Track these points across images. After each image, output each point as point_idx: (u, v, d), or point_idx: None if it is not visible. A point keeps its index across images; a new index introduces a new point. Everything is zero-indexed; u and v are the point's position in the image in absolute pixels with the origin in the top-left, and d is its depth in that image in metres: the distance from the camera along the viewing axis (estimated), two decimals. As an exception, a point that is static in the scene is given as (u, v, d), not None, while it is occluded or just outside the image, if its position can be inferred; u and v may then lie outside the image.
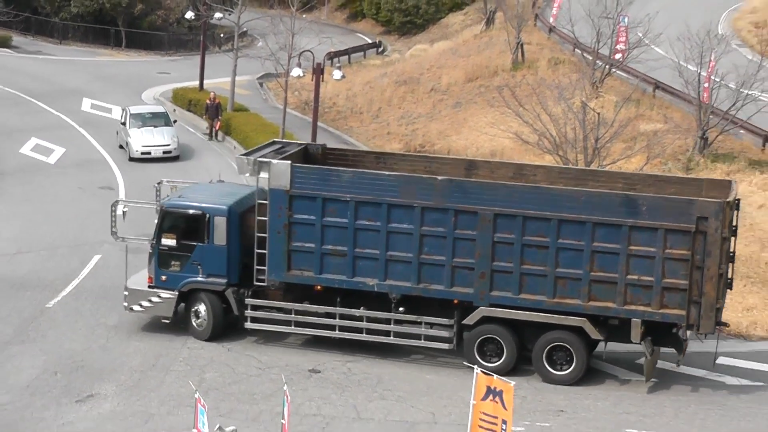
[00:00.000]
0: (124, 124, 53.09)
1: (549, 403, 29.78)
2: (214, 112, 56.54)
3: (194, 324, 32.40)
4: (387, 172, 31.36)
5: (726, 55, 52.37)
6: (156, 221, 32.54)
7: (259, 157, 31.64)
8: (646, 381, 30.68)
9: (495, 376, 21.62)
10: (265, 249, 31.20)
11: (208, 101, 57.21)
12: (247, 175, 32.15)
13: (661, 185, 32.66)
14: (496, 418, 21.76)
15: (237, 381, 30.37)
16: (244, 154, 32.21)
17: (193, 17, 70.82)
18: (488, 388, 21.76)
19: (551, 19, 73.37)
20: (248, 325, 32.17)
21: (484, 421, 21.76)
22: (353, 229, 30.54)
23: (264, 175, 31.01)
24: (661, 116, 54.26)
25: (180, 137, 56.67)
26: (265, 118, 57.59)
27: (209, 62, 65.24)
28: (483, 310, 30.52)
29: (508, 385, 21.67)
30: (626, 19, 61.33)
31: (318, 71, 48.10)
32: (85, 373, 30.52)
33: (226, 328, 32.46)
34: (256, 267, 31.41)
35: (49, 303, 35.14)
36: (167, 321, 32.51)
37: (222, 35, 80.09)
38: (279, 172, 30.64)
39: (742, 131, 51.40)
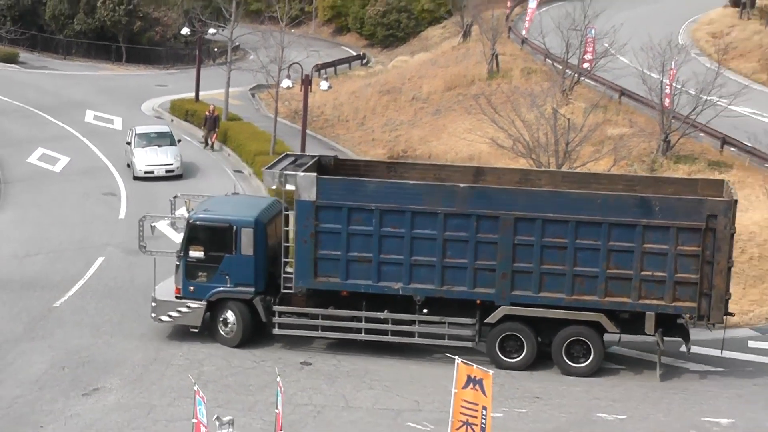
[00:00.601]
0: (129, 143, 51.49)
1: (526, 390, 29.80)
2: (212, 124, 56.34)
3: (222, 332, 31.69)
4: (411, 181, 31.02)
5: (686, 64, 52.47)
6: (183, 234, 31.94)
7: (279, 169, 31.11)
8: (659, 371, 30.66)
9: (474, 365, 21.60)
10: (291, 258, 30.79)
11: (207, 113, 56.95)
12: (274, 187, 31.53)
13: (659, 186, 32.93)
14: (476, 404, 21.75)
15: (233, 373, 30.32)
16: (268, 168, 31.50)
17: (188, 33, 70.60)
18: (468, 377, 21.75)
19: (523, 32, 73.40)
20: (276, 331, 31.60)
21: (465, 407, 21.74)
22: (378, 236, 30.13)
23: (290, 186, 30.50)
24: (626, 121, 54.33)
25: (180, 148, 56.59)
26: (258, 127, 57.44)
27: (204, 75, 65.12)
28: (504, 309, 30.43)
29: (488, 374, 21.67)
30: (593, 31, 61.41)
31: (306, 82, 48.09)
32: (91, 367, 30.47)
33: (254, 334, 31.87)
34: (283, 275, 30.96)
35: (57, 302, 35.05)
36: (195, 330, 31.82)
37: (216, 49, 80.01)
38: (305, 184, 30.14)
39: (701, 134, 51.45)
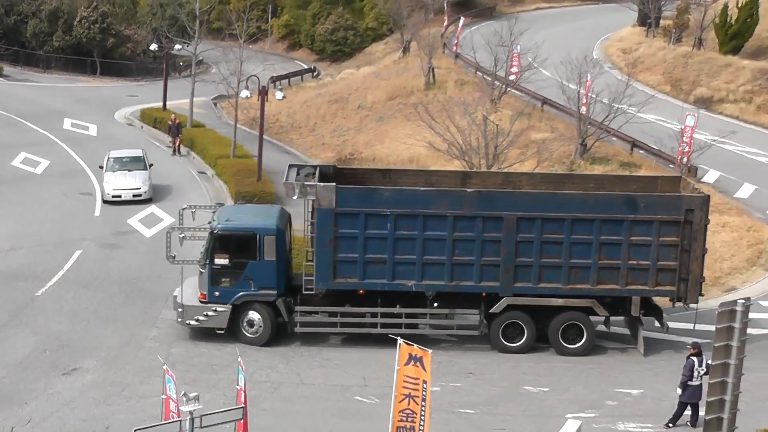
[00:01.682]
0: (101, 167, 47.53)
1: (460, 366, 29.89)
2: (176, 131, 55.89)
3: (247, 332, 30.85)
4: (422, 188, 30.78)
5: (600, 76, 52.80)
6: (207, 243, 30.83)
7: (289, 180, 30.71)
8: (643, 352, 30.88)
9: (415, 345, 21.59)
10: (311, 261, 30.28)
11: (170, 122, 56.57)
12: (294, 198, 30.70)
13: (624, 183, 33.52)
14: (417, 379, 21.75)
15: (199, 355, 30.20)
16: (287, 181, 30.79)
17: (156, 48, 70.07)
18: (410, 355, 21.72)
19: (454, 48, 73.58)
20: (297, 329, 31.04)
21: (407, 382, 21.73)
22: (393, 239, 29.81)
23: (311, 196, 29.94)
24: (548, 127, 54.59)
25: (146, 150, 56.08)
26: (220, 133, 57.18)
27: (171, 86, 64.71)
28: (508, 300, 30.47)
29: (427, 352, 21.66)
30: (518, 47, 61.65)
31: (263, 93, 47.90)
32: (70, 350, 30.24)
33: (277, 333, 31.23)
34: (304, 277, 30.40)
35: (38, 292, 34.72)
36: (221, 332, 30.88)
37: (181, 63, 79.48)
38: (326, 194, 29.65)
39: (614, 138, 51.79)
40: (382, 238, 29.79)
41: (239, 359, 20.79)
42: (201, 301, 30.76)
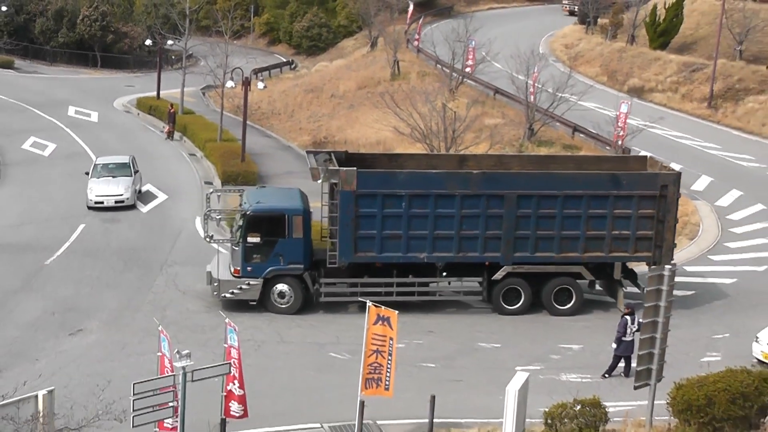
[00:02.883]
0: (87, 174, 42.81)
1: (422, 326, 29.93)
2: (172, 118, 55.50)
3: (277, 303, 30.50)
4: (434, 171, 30.66)
5: (545, 69, 52.92)
6: (239, 223, 30.55)
7: (312, 165, 30.71)
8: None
9: (382, 307, 21.63)
10: (335, 238, 29.98)
11: (169, 109, 56.06)
12: (319, 181, 30.60)
13: (599, 162, 34.02)
14: (384, 336, 21.81)
15: (190, 317, 30.12)
16: (312, 166, 30.75)
17: (151, 44, 69.61)
18: (378, 315, 21.76)
19: (416, 43, 73.44)
20: (322, 299, 30.80)
21: (375, 339, 21.79)
22: (407, 217, 29.70)
23: (334, 180, 29.78)
24: (500, 113, 54.62)
25: (141, 136, 55.78)
26: (207, 119, 56.86)
27: (164, 77, 64.25)
28: (508, 268, 30.53)
29: (394, 313, 21.72)
30: (473, 42, 61.61)
31: (246, 83, 47.70)
32: (76, 313, 30.10)
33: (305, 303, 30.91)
34: (328, 252, 30.10)
35: (47, 261, 34.50)
36: (254, 303, 30.60)
37: (173, 57, 78.95)
38: (348, 177, 29.45)
39: (557, 124, 51.91)
40: (398, 216, 29.74)
41: (226, 320, 20.74)
42: (234, 276, 30.45)
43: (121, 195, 41.35)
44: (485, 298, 31.23)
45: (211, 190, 32.84)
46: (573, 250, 30.44)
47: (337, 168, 30.07)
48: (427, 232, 29.91)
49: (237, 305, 30.65)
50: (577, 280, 31.14)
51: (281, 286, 30.55)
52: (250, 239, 30.22)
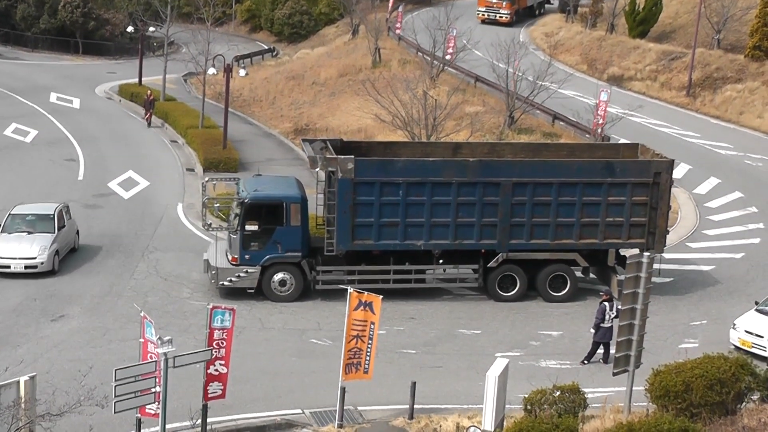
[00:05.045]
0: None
1: (403, 312, 29.95)
2: (149, 105, 55.15)
3: (276, 290, 30.22)
4: (431, 159, 30.46)
5: (525, 57, 52.84)
6: (237, 211, 30.19)
7: (310, 154, 30.51)
8: (617, 297, 30.91)
9: (365, 292, 21.62)
10: (332, 226, 29.78)
11: (146, 97, 55.78)
12: (317, 169, 30.40)
13: (592, 150, 34.08)
14: (365, 321, 21.90)
15: (172, 302, 30.03)
16: (311, 156, 30.46)
17: (132, 30, 69.15)
18: (359, 301, 21.83)
19: (397, 31, 73.31)
20: (319, 286, 30.52)
21: (355, 325, 21.87)
22: (404, 204, 29.52)
23: (331, 168, 29.52)
24: (480, 101, 54.60)
25: (123, 122, 55.44)
26: (189, 106, 56.57)
27: (146, 64, 63.92)
28: (503, 255, 30.41)
29: (377, 298, 21.78)
30: (454, 31, 61.49)
31: (228, 70, 47.47)
32: (57, 299, 29.95)
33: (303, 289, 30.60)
34: (326, 240, 29.89)
35: (28, 247, 34.16)
36: (252, 290, 30.19)
37: (155, 44, 78.45)
38: (345, 165, 29.27)
39: (538, 111, 51.93)
40: (395, 204, 29.59)
41: (208, 306, 20.65)
42: (233, 264, 30.18)
43: (34, 258, 31.36)
44: (481, 285, 31.16)
45: (207, 178, 32.49)
46: (568, 237, 30.43)
47: (336, 156, 29.89)
48: (424, 219, 29.80)
49: (221, 292, 30.56)
50: (572, 267, 31.15)
51: (282, 275, 30.28)
52: (248, 227, 29.95)
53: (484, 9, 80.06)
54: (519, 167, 30.28)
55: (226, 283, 30.19)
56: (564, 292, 31.16)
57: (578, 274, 31.80)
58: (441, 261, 30.96)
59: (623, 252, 31.72)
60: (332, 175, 29.78)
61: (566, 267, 31.07)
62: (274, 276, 30.31)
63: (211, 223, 31.66)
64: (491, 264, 30.64)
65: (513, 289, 31.00)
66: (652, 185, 30.34)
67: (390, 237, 29.95)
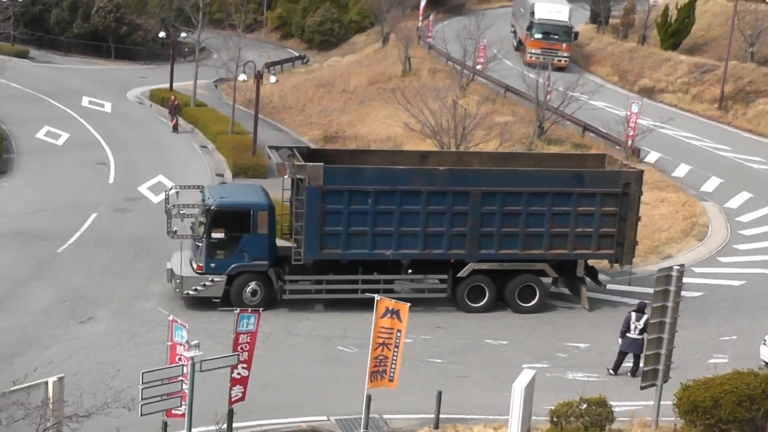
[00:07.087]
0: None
1: (430, 321, 29.88)
2: (174, 111, 55.30)
3: (248, 300, 29.50)
4: (401, 167, 30.13)
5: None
6: (203, 219, 29.64)
7: (278, 161, 30.14)
8: (587, 307, 31.04)
9: (393, 300, 21.58)
10: (300, 235, 29.43)
11: (170, 102, 55.86)
12: (286, 177, 29.91)
13: (559, 160, 33.75)
14: (392, 329, 21.81)
15: (199, 307, 30.03)
16: (279, 161, 30.05)
17: (164, 36, 69.61)
18: (387, 308, 21.76)
19: (428, 40, 73.38)
20: (286, 296, 30.11)
21: (382, 332, 21.79)
22: (373, 213, 29.20)
23: (300, 175, 29.14)
24: (510, 111, 54.53)
25: (153, 127, 55.71)
26: (219, 112, 56.85)
27: (177, 70, 64.28)
28: (473, 265, 30.21)
29: (405, 305, 21.72)
30: (485, 40, 61.53)
31: (258, 77, 47.72)
32: (86, 301, 30.09)
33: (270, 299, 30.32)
34: (294, 249, 29.58)
35: (59, 249, 34.48)
36: (217, 300, 29.55)
37: (186, 49, 78.96)
38: (315, 173, 28.89)
39: (567, 122, 51.82)
40: (364, 213, 29.25)
41: (236, 311, 20.66)
42: (198, 273, 29.74)
43: None
44: (449, 295, 30.85)
45: (170, 186, 31.82)
46: (537, 248, 30.17)
47: (304, 164, 29.51)
48: (393, 228, 29.46)
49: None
50: (541, 278, 30.92)
51: (255, 285, 29.77)
52: (214, 235, 29.31)
53: (539, 51, 65.71)
54: (489, 176, 30.00)
55: (191, 292, 29.54)
56: (533, 302, 30.84)
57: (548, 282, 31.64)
58: (410, 271, 30.55)
59: (591, 263, 31.55)
60: (300, 182, 29.34)
61: (535, 278, 30.75)
62: (246, 286, 29.76)
63: (176, 230, 30.82)
64: (461, 274, 30.30)
65: (482, 300, 30.66)
66: (622, 196, 30.08)
67: (359, 246, 29.48)
